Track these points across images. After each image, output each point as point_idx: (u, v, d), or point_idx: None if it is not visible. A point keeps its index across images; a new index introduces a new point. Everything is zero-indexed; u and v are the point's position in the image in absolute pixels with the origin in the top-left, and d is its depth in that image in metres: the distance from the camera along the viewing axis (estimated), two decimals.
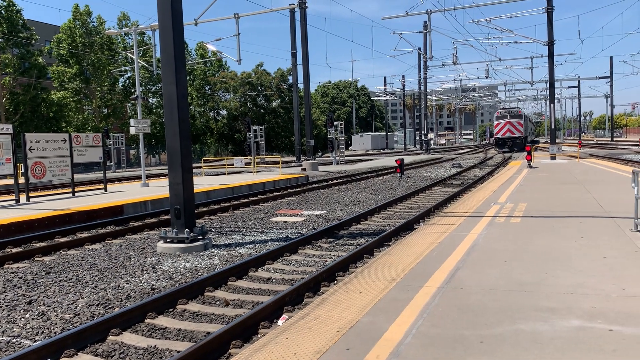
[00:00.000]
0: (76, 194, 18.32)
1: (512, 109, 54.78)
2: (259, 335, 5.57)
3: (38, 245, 10.94)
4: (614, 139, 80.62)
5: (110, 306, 6.76)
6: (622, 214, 9.50)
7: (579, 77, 74.56)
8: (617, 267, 5.95)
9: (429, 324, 4.44)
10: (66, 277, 8.28)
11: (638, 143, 52.55)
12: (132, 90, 53.19)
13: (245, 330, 5.57)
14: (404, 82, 74.22)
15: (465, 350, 3.87)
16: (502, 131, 51.85)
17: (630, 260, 6.23)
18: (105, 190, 19.53)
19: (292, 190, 20.33)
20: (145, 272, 8.46)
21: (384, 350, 3.91)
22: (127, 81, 57.74)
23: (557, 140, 33.76)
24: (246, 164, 33.49)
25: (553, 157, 29.27)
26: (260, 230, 12.09)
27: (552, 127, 30.84)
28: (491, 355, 3.77)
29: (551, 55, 29.28)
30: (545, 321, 4.39)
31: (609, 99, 75.24)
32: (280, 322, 5.86)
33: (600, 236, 7.71)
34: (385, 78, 78.99)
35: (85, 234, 12.14)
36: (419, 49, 49.31)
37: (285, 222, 13.22)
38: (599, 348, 3.80)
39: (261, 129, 39.16)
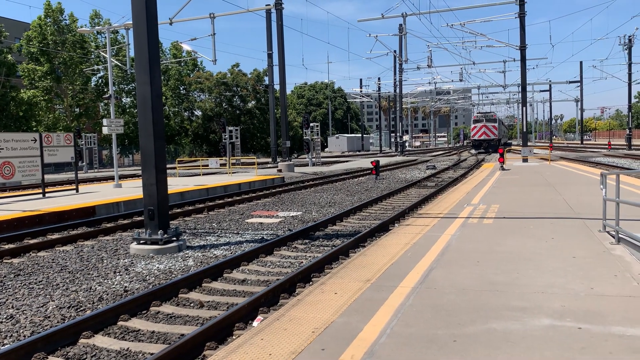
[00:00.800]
0: (47, 195, 17.96)
1: (487, 113, 58.48)
2: (233, 337, 5.55)
3: (6, 247, 10.68)
4: (584, 142, 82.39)
5: (82, 309, 6.65)
6: (591, 215, 9.73)
7: (550, 81, 75.83)
8: (586, 267, 6.09)
9: (403, 323, 4.48)
10: (36, 279, 8.11)
11: (607, 146, 53.89)
12: (105, 90, 52.34)
13: (220, 332, 5.54)
14: (379, 84, 74.71)
15: (439, 349, 3.92)
16: (478, 133, 55.93)
17: (599, 260, 6.39)
18: (77, 191, 19.18)
19: (267, 192, 20.28)
20: (118, 273, 8.34)
21: (358, 351, 3.93)
22: (100, 80, 56.79)
23: (528, 143, 34.40)
24: (221, 165, 33.27)
25: (525, 160, 29.80)
26: (235, 232, 12.03)
27: (524, 130, 31.40)
28: (464, 354, 3.83)
29: (523, 60, 29.81)
30: (516, 320, 4.47)
31: (579, 103, 76.88)
32: (255, 323, 5.84)
33: (570, 237, 7.89)
34: (361, 80, 79.39)
35: (56, 236, 11.90)
36: (395, 51, 49.75)
37: (261, 223, 13.18)
38: (568, 346, 3.89)
39: (237, 130, 38.97)
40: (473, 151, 59.05)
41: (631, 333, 4.09)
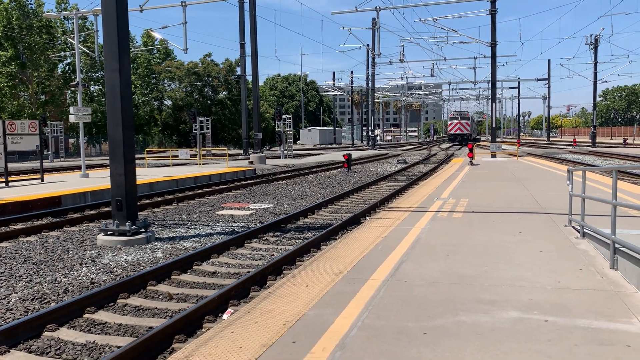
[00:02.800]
0: (10, 184, 17.45)
1: (462, 112, 69.56)
2: (203, 330, 5.49)
3: None
4: (550, 138, 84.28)
5: (46, 301, 6.48)
6: (558, 210, 9.94)
7: (519, 78, 77.26)
8: (553, 261, 6.22)
9: (374, 316, 4.49)
10: None
11: (572, 143, 55.24)
12: (73, 77, 51.04)
13: (190, 325, 5.47)
14: (352, 77, 74.85)
15: (409, 341, 3.95)
16: (454, 129, 66.87)
17: (564, 254, 6.53)
18: (42, 181, 18.69)
19: (239, 184, 20.13)
20: (84, 265, 8.16)
21: (329, 343, 3.93)
22: (67, 67, 55.30)
23: (497, 139, 34.95)
24: (192, 155, 32.86)
25: (493, 155, 30.28)
26: (205, 224, 11.90)
27: (493, 126, 31.89)
28: (434, 346, 3.86)
29: (494, 56, 30.24)
30: (485, 313, 4.53)
31: (547, 100, 78.38)
32: (225, 316, 5.79)
33: (537, 231, 8.04)
34: (334, 73, 79.43)
35: (19, 226, 11.58)
36: (368, 45, 49.87)
37: (232, 215, 13.08)
38: (535, 338, 3.97)
39: (208, 121, 38.42)
40: (448, 144, 69.37)
41: (595, 325, 4.19)
